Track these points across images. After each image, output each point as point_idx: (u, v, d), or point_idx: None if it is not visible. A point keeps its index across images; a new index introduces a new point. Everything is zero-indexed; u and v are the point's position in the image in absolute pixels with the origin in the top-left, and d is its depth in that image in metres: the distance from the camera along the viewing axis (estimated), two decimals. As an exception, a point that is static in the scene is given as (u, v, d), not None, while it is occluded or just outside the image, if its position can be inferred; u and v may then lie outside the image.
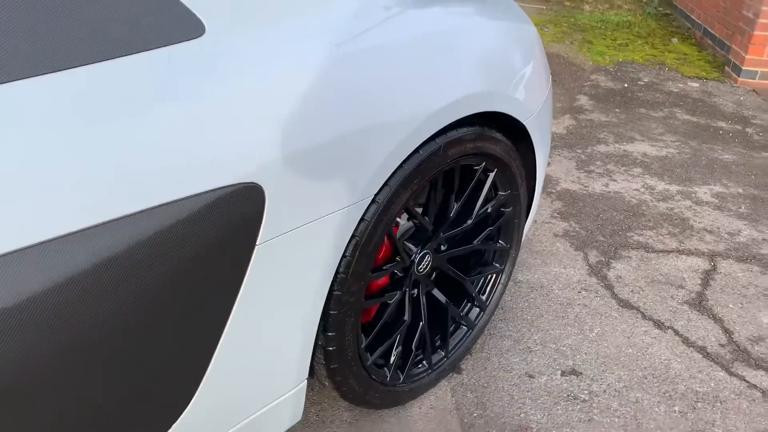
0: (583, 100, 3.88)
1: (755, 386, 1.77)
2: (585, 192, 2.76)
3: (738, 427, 1.63)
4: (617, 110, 3.74)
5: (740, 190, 2.87)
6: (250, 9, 1.11)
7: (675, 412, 1.66)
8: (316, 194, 1.11)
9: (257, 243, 1.05)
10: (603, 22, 5.93)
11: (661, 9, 6.35)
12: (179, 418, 1.08)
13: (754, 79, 4.38)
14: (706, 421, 1.64)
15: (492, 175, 1.55)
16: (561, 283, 2.14)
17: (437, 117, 1.30)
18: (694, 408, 1.68)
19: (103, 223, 0.84)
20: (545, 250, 2.32)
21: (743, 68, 4.39)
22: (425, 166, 1.32)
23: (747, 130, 3.59)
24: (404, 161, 1.28)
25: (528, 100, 1.55)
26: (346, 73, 1.15)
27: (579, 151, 3.16)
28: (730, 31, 4.75)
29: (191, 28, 1.03)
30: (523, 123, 1.54)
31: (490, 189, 1.56)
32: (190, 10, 1.04)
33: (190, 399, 1.08)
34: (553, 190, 2.76)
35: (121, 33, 0.94)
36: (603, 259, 2.29)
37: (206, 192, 0.96)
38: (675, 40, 5.42)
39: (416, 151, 1.29)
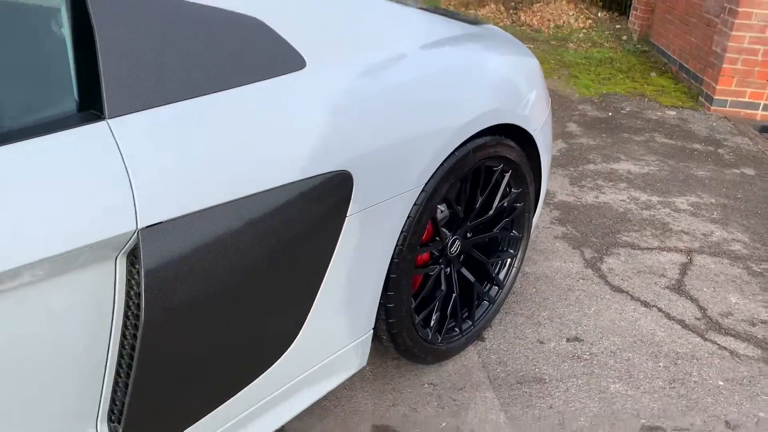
0: (572, 127, 4.33)
1: (725, 348, 2.16)
2: (579, 203, 3.18)
3: (711, 376, 2.02)
4: (603, 135, 4.19)
5: (713, 200, 3.30)
6: (333, 48, 1.53)
7: (660, 366, 2.05)
8: (385, 181, 1.52)
9: (347, 215, 1.45)
10: (587, 58, 6.45)
11: (639, 46, 6.89)
12: (291, 346, 1.45)
13: (725, 107, 4.86)
14: (685, 372, 2.02)
15: (507, 175, 1.96)
16: (562, 274, 2.54)
17: (467, 127, 1.71)
18: (675, 363, 2.06)
19: (266, 190, 1.24)
20: (547, 248, 2.72)
21: (715, 98, 4.87)
22: (459, 164, 1.72)
23: (719, 151, 4.04)
24: (444, 160, 1.68)
25: (534, 115, 1.97)
26: (402, 94, 1.57)
27: (572, 169, 3.59)
28: (702, 65, 5.26)
29: (298, 62, 1.44)
30: (531, 133, 1.96)
31: (506, 186, 1.97)
32: (297, 51, 1.45)
33: (298, 332, 1.46)
34: (551, 202, 3.17)
35: (258, 65, 1.35)
36: (596, 255, 2.69)
37: (316, 176, 1.36)
38: (653, 74, 5.93)
39: (453, 153, 1.70)
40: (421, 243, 1.75)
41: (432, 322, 1.90)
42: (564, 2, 8.15)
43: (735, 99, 4.84)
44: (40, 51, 1.14)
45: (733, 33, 4.68)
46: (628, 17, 7.63)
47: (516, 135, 1.97)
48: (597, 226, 2.95)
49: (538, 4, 8.11)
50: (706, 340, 2.19)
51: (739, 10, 4.63)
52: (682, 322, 2.28)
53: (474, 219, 1.94)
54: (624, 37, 7.31)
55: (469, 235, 1.98)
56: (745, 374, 2.04)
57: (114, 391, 1.20)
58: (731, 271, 2.63)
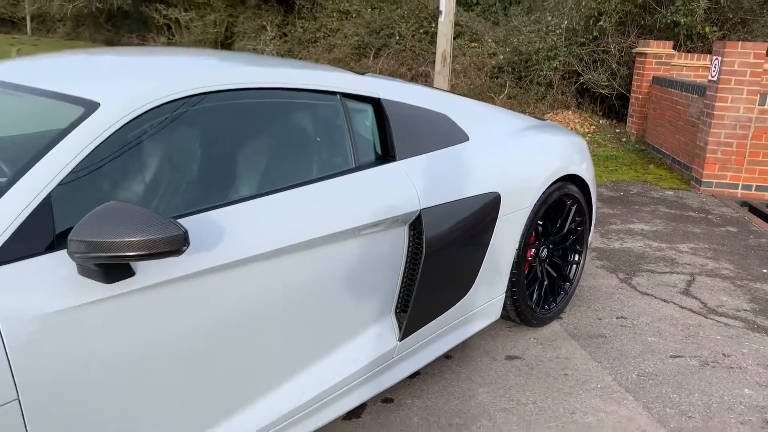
0: (594, 203, 5.57)
1: (720, 322, 3.28)
2: (609, 248, 4.36)
3: (712, 334, 3.13)
4: (619, 207, 5.43)
5: (706, 246, 4.48)
6: (480, 130, 2.79)
7: (678, 329, 3.16)
8: (515, 201, 2.72)
9: (498, 216, 2.65)
10: (595, 156, 7.82)
11: (637, 146, 8.29)
12: (469, 290, 2.60)
13: (711, 187, 6.14)
14: (694, 333, 3.13)
15: (573, 207, 3.16)
16: (605, 286, 3.69)
17: (551, 175, 2.94)
18: (688, 328, 3.18)
19: (464, 198, 2.45)
20: (593, 273, 3.88)
21: (703, 180, 6.16)
22: (548, 197, 2.94)
23: (709, 216, 5.26)
24: (542, 193, 2.89)
25: (587, 171, 3.20)
26: (518, 155, 2.82)
27: (600, 228, 4.80)
28: (690, 156, 6.59)
29: (464, 137, 2.69)
30: (586, 181, 3.19)
31: (573, 215, 3.17)
32: (463, 130, 2.71)
33: (473, 283, 2.61)
34: (589, 248, 4.35)
35: (448, 138, 2.60)
36: (627, 276, 3.84)
37: (484, 193, 2.57)
38: (651, 166, 7.26)
39: (545, 190, 2.92)
40: (528, 243, 2.93)
41: (534, 298, 3.04)
42: (570, 112, 9.68)
43: (719, 181, 6.13)
44: (364, 132, 2.39)
45: (712, 131, 6.04)
46: (626, 123, 9.11)
47: (576, 182, 3.19)
48: (624, 260, 4.12)
49: (548, 114, 9.63)
50: (707, 318, 3.32)
51: (715, 113, 6.01)
52: (690, 310, 3.41)
53: (554, 234, 3.13)
54: (623, 139, 8.74)
55: (551, 246, 3.16)
56: (734, 333, 3.15)
57: (399, 295, 2.34)
58: (722, 285, 3.77)
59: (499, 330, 3.11)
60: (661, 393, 2.61)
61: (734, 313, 3.39)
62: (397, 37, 13.75)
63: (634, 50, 8.69)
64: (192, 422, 1.77)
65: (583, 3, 9.02)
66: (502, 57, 11.00)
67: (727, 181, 6.12)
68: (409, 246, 2.34)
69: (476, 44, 12.49)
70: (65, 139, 1.64)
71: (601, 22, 8.99)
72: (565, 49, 9.43)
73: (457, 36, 12.20)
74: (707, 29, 8.65)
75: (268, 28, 16.15)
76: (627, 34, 9.33)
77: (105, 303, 1.54)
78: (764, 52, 5.84)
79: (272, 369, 1.95)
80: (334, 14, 15.58)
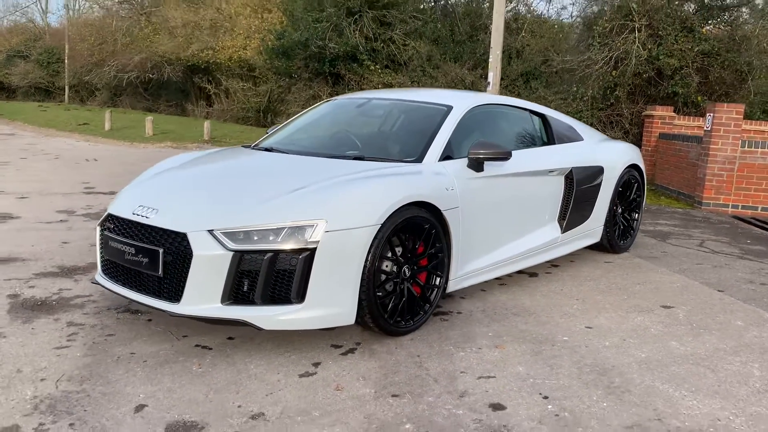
0: (628, 212, 7.88)
1: (722, 255, 5.52)
2: (647, 230, 6.63)
3: (718, 258, 5.36)
4: (646, 215, 7.74)
5: (710, 231, 6.76)
6: (588, 135, 5.15)
7: (698, 256, 5.40)
8: (609, 172, 5.04)
9: (603, 179, 4.95)
10: (618, 191, 10.17)
11: (649, 186, 10.65)
12: (586, 221, 4.86)
13: (710, 206, 8.45)
14: (708, 258, 5.37)
15: (636, 184, 5.46)
16: (650, 242, 5.93)
17: (626, 162, 5.27)
18: (704, 256, 5.42)
19: (585, 166, 4.78)
20: (640, 238, 6.13)
21: (703, 201, 8.48)
22: (623, 175, 5.25)
23: (710, 220, 7.57)
24: (620, 173, 5.20)
25: (641, 164, 5.52)
26: (606, 151, 5.17)
27: (637, 221, 7.09)
28: (692, 187, 8.94)
29: (581, 137, 5.07)
30: (642, 170, 5.49)
31: (636, 189, 5.46)
32: (579, 133, 5.08)
33: (588, 218, 4.88)
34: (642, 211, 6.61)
35: (573, 138, 4.95)
36: (662, 239, 6.10)
37: (594, 165, 4.90)
38: (662, 197, 9.60)
39: (623, 170, 5.23)
40: (614, 201, 5.19)
41: (616, 233, 5.28)
42: (592, 163, 12.12)
43: (715, 202, 8.45)
44: (538, 130, 4.74)
45: (708, 166, 8.41)
46: (638, 170, 11.52)
47: (637, 170, 5.49)
48: (658, 234, 6.39)
49: (575, 164, 12.07)
50: (714, 254, 5.56)
51: (710, 153, 8.40)
52: (704, 252, 5.65)
53: (626, 199, 5.41)
54: (637, 182, 11.12)
55: (623, 206, 5.42)
56: (731, 259, 5.38)
57: (560, 211, 4.60)
58: (722, 244, 6.03)
59: (596, 254, 5.35)
60: (693, 273, 4.85)
61: (731, 252, 5.65)
62: (437, 105, 16.32)
63: (643, 114, 11.20)
64: (509, 236, 4.03)
65: (603, 78, 11.61)
66: (532, 120, 13.49)
67: (721, 202, 8.44)
68: (564, 186, 4.61)
69: (507, 111, 15.03)
70: (446, 120, 3.97)
71: (617, 92, 11.56)
72: (588, 113, 11.96)
73: (493, 103, 14.67)
74: (699, 98, 11.21)
75: (323, 97, 18.81)
76: (636, 101, 11.90)
77: (476, 179, 3.81)
78: (742, 110, 8.30)
79: (526, 222, 4.22)
80: (380, 86, 18.27)
